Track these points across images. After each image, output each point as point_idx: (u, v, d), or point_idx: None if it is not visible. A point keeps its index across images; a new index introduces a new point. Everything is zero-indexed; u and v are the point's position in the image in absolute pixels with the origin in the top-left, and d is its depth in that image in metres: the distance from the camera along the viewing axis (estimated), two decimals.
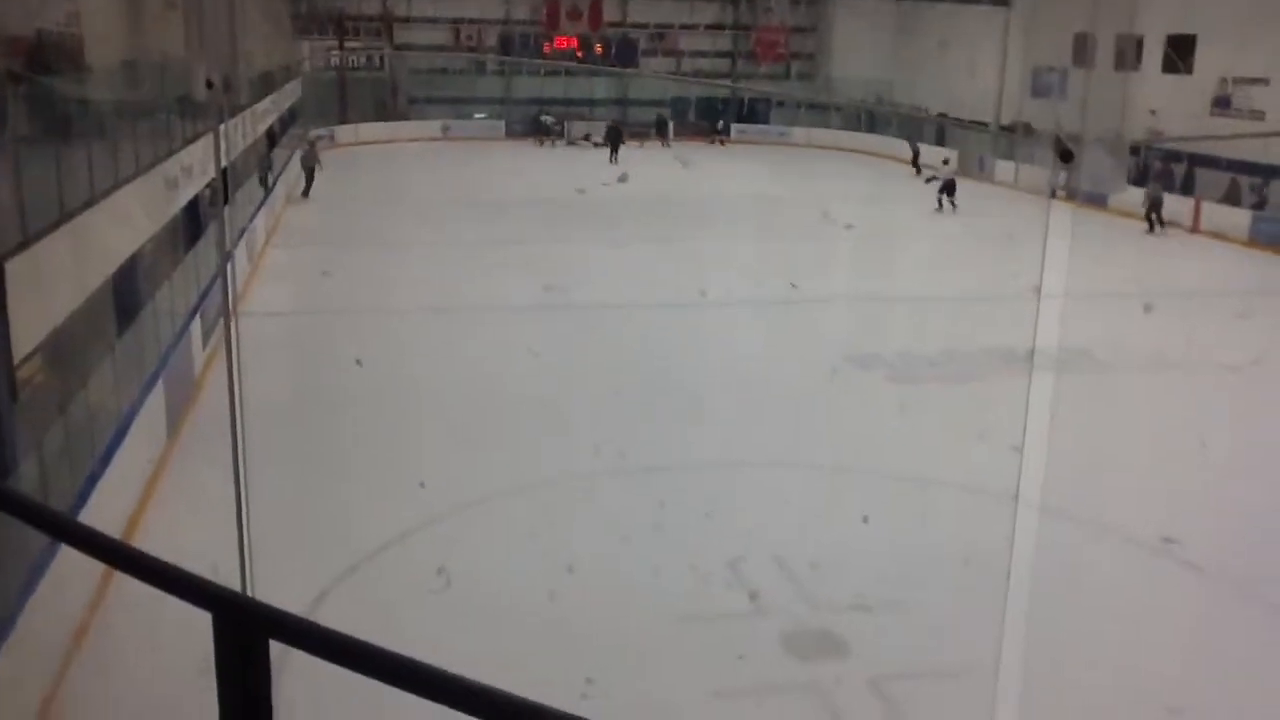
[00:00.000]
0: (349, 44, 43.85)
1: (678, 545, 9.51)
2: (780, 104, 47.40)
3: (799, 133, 46.01)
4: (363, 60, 44.47)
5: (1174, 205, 28.76)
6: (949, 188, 29.10)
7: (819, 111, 47.42)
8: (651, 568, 9.01)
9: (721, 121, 46.24)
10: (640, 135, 42.38)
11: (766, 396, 13.85)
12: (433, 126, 43.20)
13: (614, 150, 38.00)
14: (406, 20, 45.03)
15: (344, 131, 41.12)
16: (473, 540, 9.76)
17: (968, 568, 8.80)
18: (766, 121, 47.70)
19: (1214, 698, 7.71)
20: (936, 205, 28.89)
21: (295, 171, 29.77)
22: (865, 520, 9.58)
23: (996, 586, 7.72)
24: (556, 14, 46.01)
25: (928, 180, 30.29)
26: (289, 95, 32.73)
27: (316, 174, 28.78)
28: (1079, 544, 9.93)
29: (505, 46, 46.16)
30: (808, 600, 8.83)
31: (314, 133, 38.11)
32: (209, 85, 4.35)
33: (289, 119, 33.19)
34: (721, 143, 44.72)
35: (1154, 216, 26.73)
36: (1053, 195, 22.21)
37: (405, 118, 44.37)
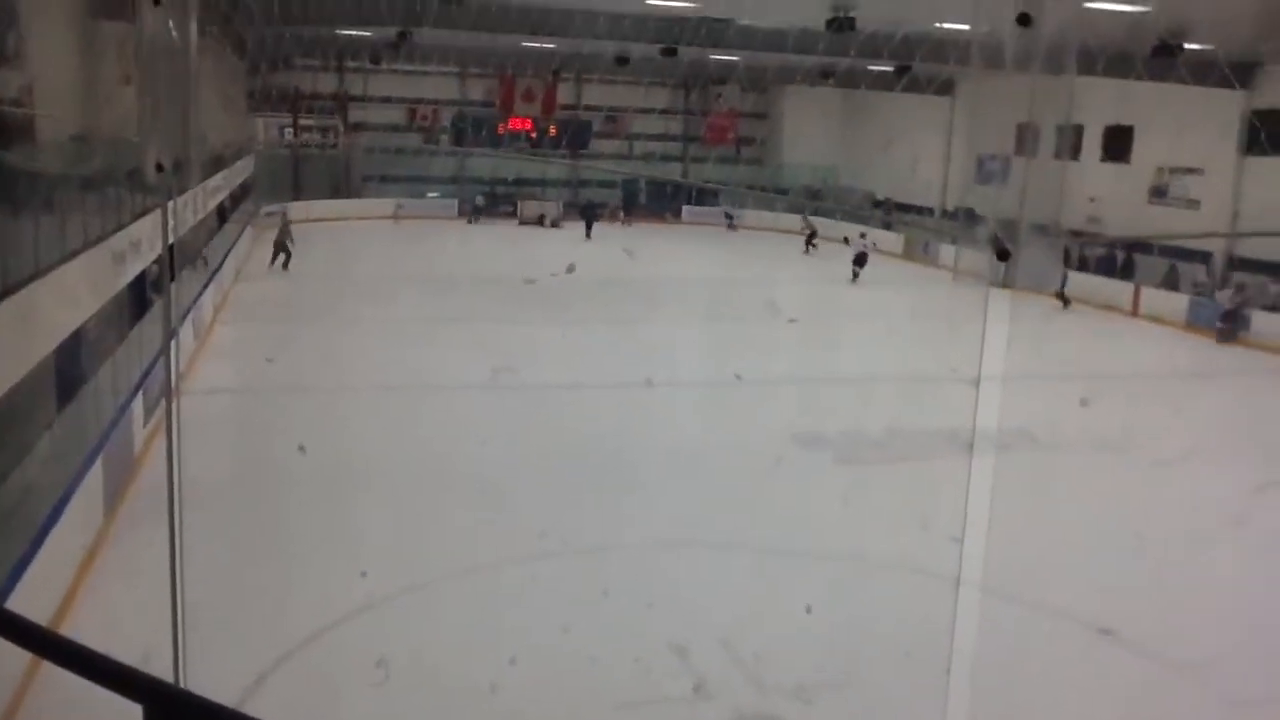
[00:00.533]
0: (303, 121, 44.08)
1: (622, 632, 9.41)
2: (726, 184, 48.15)
3: (748, 215, 46.66)
4: (317, 138, 44.68)
5: (1114, 290, 29.50)
6: (860, 259, 31.77)
7: (768, 194, 48.21)
8: (594, 657, 8.90)
9: (673, 203, 47.08)
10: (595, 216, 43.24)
11: (713, 479, 13.83)
12: (386, 205, 43.35)
13: (589, 226, 40.33)
14: (362, 99, 45.38)
15: (296, 208, 41.06)
16: (414, 628, 9.56)
17: (912, 650, 8.78)
18: (716, 204, 48.39)
19: None
20: (851, 276, 31.46)
21: (246, 247, 29.65)
22: (808, 610, 9.53)
23: (941, 671, 7.72)
24: (511, 96, 46.58)
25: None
26: (241, 171, 32.76)
27: (291, 248, 29.40)
28: (1021, 628, 9.95)
29: (459, 128, 46.55)
30: (754, 685, 8.76)
31: (265, 209, 38.12)
32: (159, 169, 4.34)
33: (241, 195, 33.17)
34: (664, 219, 45.14)
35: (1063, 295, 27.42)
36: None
37: (358, 195, 44.54)
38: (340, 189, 44.67)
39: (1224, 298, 24.83)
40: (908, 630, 9.19)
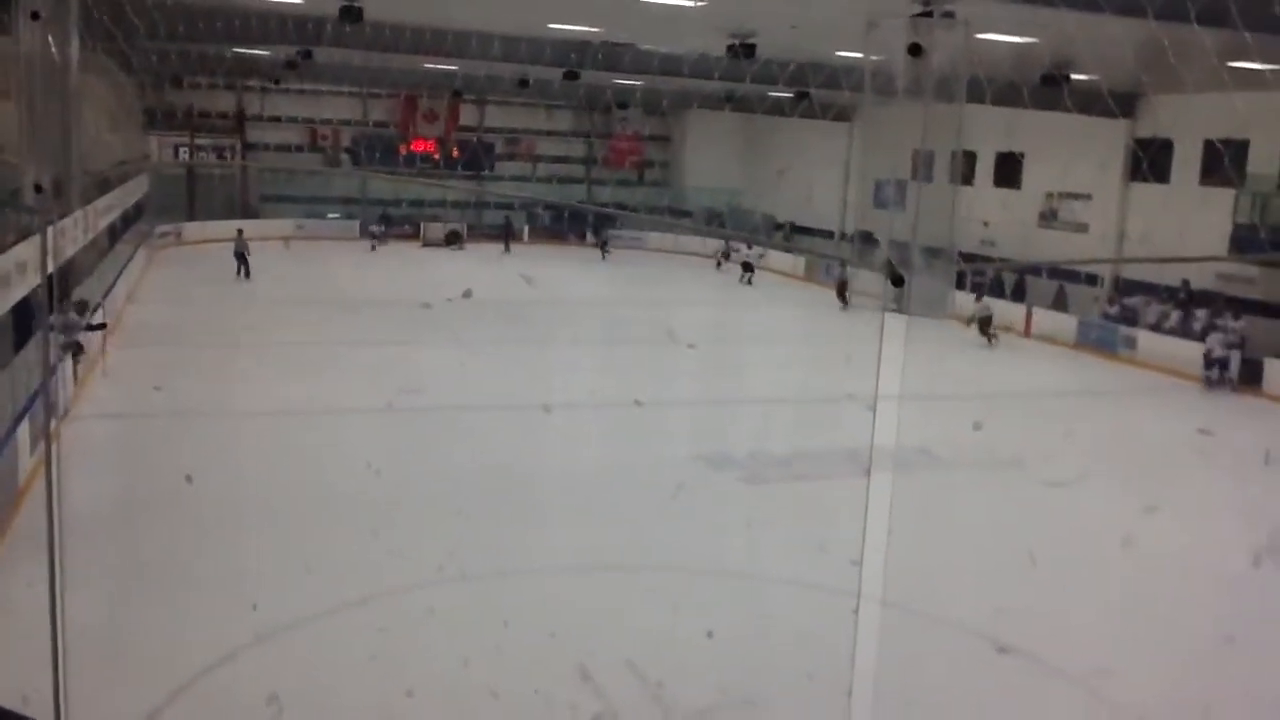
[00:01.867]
0: (199, 140, 43.15)
1: (523, 662, 9.32)
2: (633, 209, 48.34)
3: (652, 238, 46.90)
4: (214, 157, 43.77)
5: (1006, 312, 30.28)
6: (747, 266, 36.07)
7: (674, 217, 48.53)
8: (494, 688, 8.78)
9: (587, 228, 47.07)
10: (495, 237, 43.58)
11: (613, 504, 13.80)
12: (285, 225, 42.54)
13: (506, 243, 42.10)
14: (260, 118, 44.61)
15: (192, 229, 40.20)
16: (307, 663, 9.32)
17: (816, 666, 8.79)
18: (619, 226, 48.52)
19: None
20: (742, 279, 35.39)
21: (138, 269, 28.86)
22: (709, 635, 9.52)
23: (843, 688, 7.72)
24: (412, 117, 46.26)
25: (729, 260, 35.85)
26: (134, 191, 31.91)
27: (248, 258, 31.30)
28: (922, 646, 10.07)
29: (360, 150, 45.99)
30: (660, 711, 8.73)
31: (159, 229, 37.18)
32: (38, 189, 4.15)
33: (134, 215, 32.31)
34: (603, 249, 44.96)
35: (987, 331, 27.85)
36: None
37: (256, 215, 43.68)
38: (238, 209, 43.76)
39: (1215, 343, 24.30)
40: (810, 650, 9.23)
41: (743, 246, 37.73)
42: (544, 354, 23.41)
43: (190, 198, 42.88)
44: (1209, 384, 23.60)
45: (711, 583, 11.48)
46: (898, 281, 3.06)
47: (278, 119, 44.88)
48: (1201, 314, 26.01)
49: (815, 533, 11.70)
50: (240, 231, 34.02)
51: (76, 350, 17.43)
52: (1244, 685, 9.68)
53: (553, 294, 32.98)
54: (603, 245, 44.11)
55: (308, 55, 28.32)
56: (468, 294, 24.02)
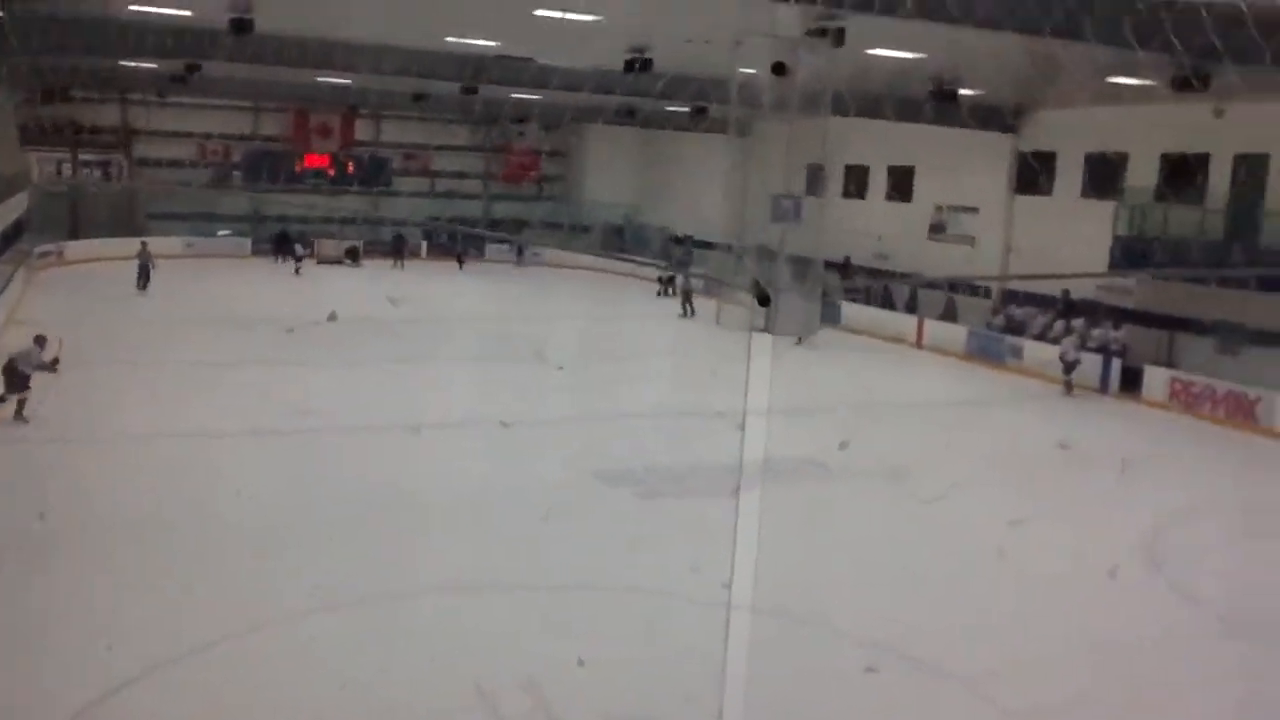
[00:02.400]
0: (83, 156, 41.89)
1: (404, 686, 9.17)
2: (526, 223, 48.26)
3: (550, 253, 46.85)
4: (98, 173, 42.53)
5: (899, 323, 31.03)
6: (687, 295, 33.69)
7: (570, 232, 48.55)
8: (376, 713, 8.63)
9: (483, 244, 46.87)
10: (391, 254, 43.28)
11: (489, 523, 13.61)
12: (174, 243, 41.42)
13: (399, 258, 42.09)
14: (147, 133, 43.45)
15: (75, 247, 38.93)
16: (180, 697, 8.94)
17: (695, 687, 8.75)
18: (519, 241, 48.37)
19: None
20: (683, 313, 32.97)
21: (18, 290, 27.90)
22: (581, 664, 9.44)
23: (739, 702, 7.84)
24: (306, 132, 45.56)
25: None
26: (12, 209, 30.85)
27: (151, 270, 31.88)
28: (801, 658, 10.20)
29: (251, 164, 45.08)
30: None
31: (40, 249, 35.97)
32: None
33: (13, 233, 31.21)
34: (460, 261, 44.62)
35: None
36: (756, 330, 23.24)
37: (143, 233, 42.44)
38: (124, 227, 42.49)
39: (1068, 347, 25.10)
40: (689, 669, 8.97)
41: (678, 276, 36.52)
42: (422, 373, 22.90)
43: (73, 215, 41.59)
44: (1068, 388, 24.47)
45: (591, 601, 11.42)
46: (764, 301, 3.13)
47: (165, 134, 43.75)
48: (1077, 322, 26.89)
49: (695, 549, 11.32)
50: (144, 244, 33.92)
51: None
52: (1106, 689, 9.94)
53: (451, 308, 32.76)
54: (519, 253, 45.19)
55: (196, 69, 27.72)
56: (333, 317, 23.39)
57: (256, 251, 43.28)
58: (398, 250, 42.99)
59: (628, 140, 45.79)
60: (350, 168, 45.92)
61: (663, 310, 34.75)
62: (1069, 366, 24.57)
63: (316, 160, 45.53)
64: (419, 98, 37.20)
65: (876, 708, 9.57)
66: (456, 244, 45.31)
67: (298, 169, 45.21)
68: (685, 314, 33.18)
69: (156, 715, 8.69)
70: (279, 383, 20.66)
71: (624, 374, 23.61)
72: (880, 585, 12.10)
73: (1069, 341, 25.29)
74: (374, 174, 46.01)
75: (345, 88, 37.22)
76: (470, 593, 11.28)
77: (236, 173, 45.27)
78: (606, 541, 13.18)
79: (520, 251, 45.77)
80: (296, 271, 39.30)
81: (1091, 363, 25.04)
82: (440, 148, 48.41)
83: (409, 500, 14.40)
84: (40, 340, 17.90)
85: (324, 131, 45.76)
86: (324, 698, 8.95)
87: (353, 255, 43.06)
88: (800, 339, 25.11)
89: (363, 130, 46.96)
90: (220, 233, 43.82)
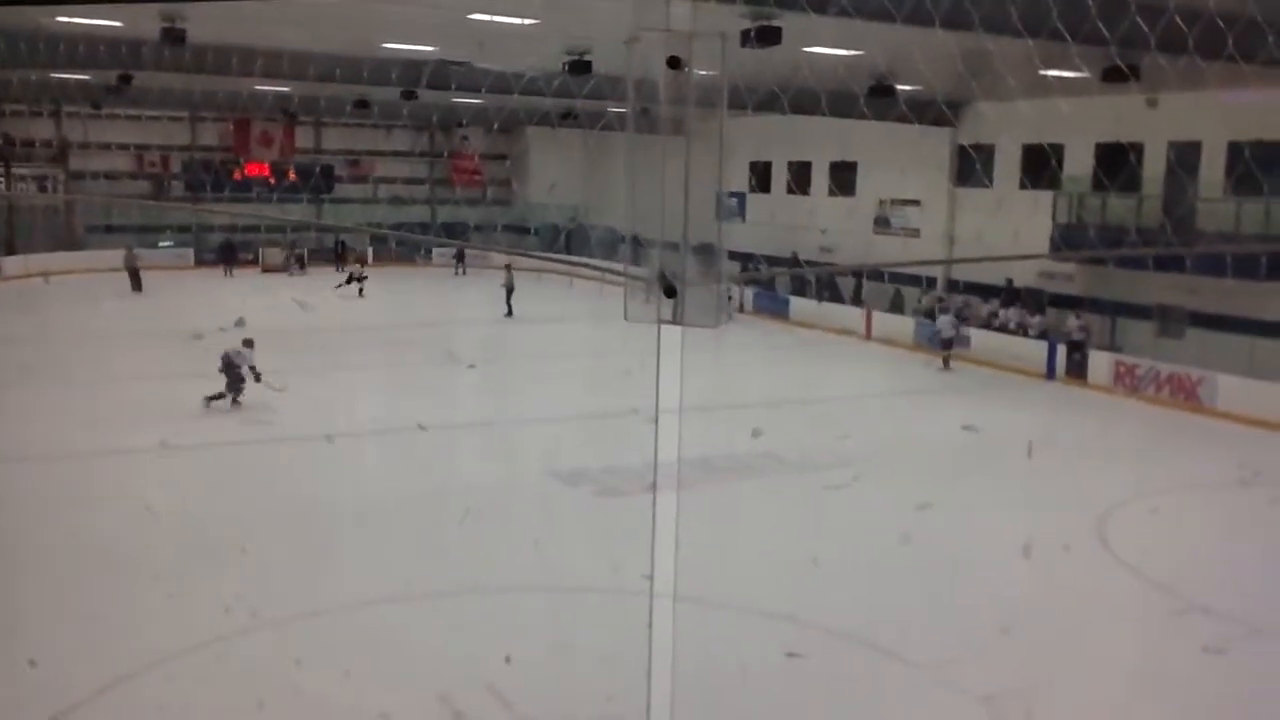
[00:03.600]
0: (18, 170, 41.17)
1: (319, 699, 9.08)
2: (478, 227, 48.08)
3: (499, 256, 46.71)
4: (34, 187, 41.82)
5: (846, 316, 31.29)
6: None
7: (518, 234, 48.43)
8: None
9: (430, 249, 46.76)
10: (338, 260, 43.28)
11: (405, 531, 13.50)
12: (115, 256, 40.78)
13: (339, 264, 41.88)
14: (84, 146, 42.76)
15: (12, 263, 38.26)
16: None
17: (615, 687, 8.67)
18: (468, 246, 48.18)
19: None
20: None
21: None
22: (507, 660, 9.43)
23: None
24: (246, 141, 45.07)
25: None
26: None
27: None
28: (737, 642, 10.39)
29: (193, 175, 44.53)
30: None
31: None
32: None
33: None
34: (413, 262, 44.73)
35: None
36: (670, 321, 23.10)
37: (82, 247, 41.83)
38: (63, 241, 41.84)
39: (945, 324, 26.42)
40: (611, 669, 8.97)
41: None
42: (335, 379, 22.74)
43: (9, 230, 40.87)
44: (945, 364, 25.18)
45: (512, 603, 11.39)
46: (670, 293, 3.13)
47: (103, 146, 43.09)
48: (957, 300, 27.35)
49: (617, 546, 11.34)
50: (129, 248, 36.56)
51: None
52: (1023, 673, 10.10)
53: (391, 314, 32.50)
54: (459, 258, 44.83)
55: (129, 80, 27.33)
56: (240, 323, 22.91)
57: (200, 262, 42.77)
58: (339, 256, 43.15)
59: (571, 141, 45.76)
60: (292, 175, 45.47)
61: (597, 308, 34.65)
62: (946, 343, 25.25)
63: (257, 169, 45.05)
64: (360, 104, 36.96)
65: (798, 690, 9.72)
66: (406, 249, 45.19)
67: (238, 178, 44.69)
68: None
69: None
70: (189, 394, 20.09)
71: (539, 373, 23.70)
72: (797, 573, 12.13)
73: (944, 320, 25.94)
74: (317, 182, 45.55)
75: (285, 95, 36.89)
76: (406, 601, 11.19)
77: (176, 183, 44.72)
78: (529, 541, 13.05)
79: (460, 256, 45.41)
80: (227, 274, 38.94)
81: (1037, 348, 25.45)
82: (383, 153, 48.12)
83: (327, 510, 14.22)
84: (249, 343, 19.58)
85: (265, 140, 45.30)
86: (232, 718, 8.81)
87: (298, 262, 42.72)
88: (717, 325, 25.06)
89: (304, 138, 46.55)
90: (162, 244, 43.27)
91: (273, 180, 45.15)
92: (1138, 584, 12.73)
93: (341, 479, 15.75)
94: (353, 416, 19.04)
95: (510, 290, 33.23)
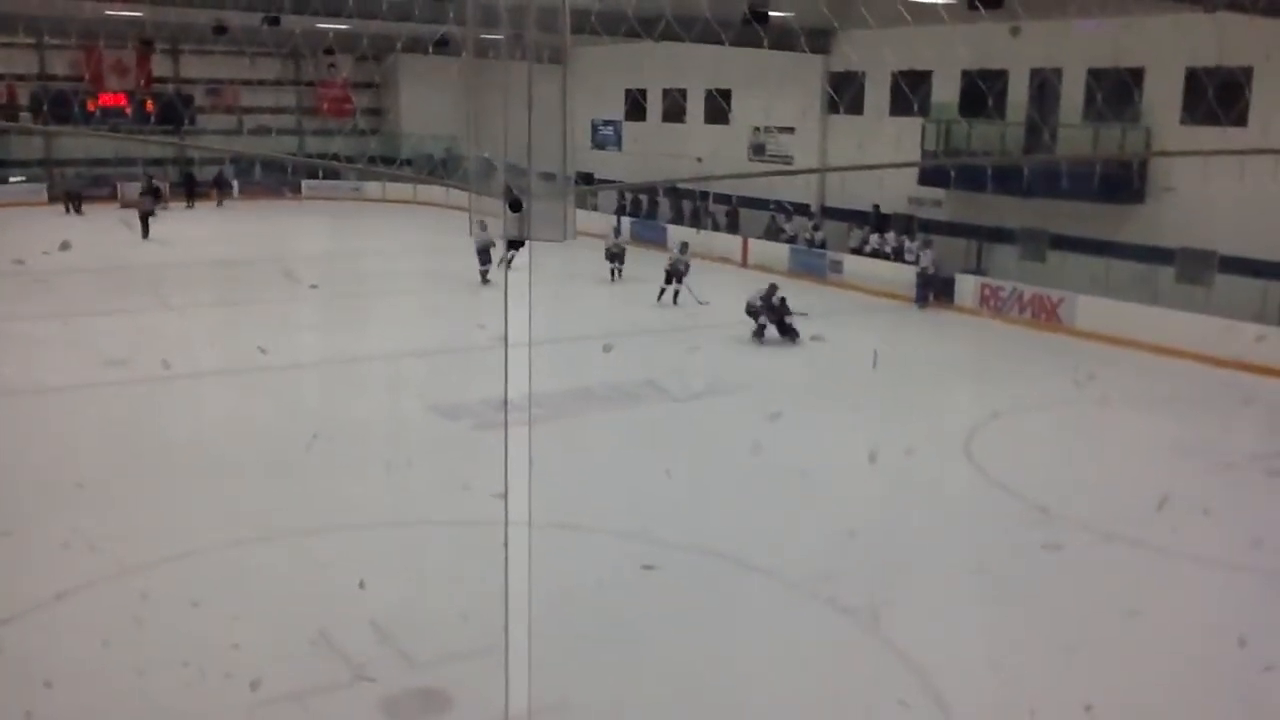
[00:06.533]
0: None
1: (169, 635, 8.99)
2: (348, 158, 46.92)
3: (373, 187, 45.78)
4: None
5: (724, 243, 31.56)
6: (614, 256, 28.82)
7: (394, 165, 47.43)
8: (139, 667, 8.38)
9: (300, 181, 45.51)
10: (202, 195, 42.35)
11: (250, 467, 13.31)
12: None
13: (191, 199, 41.23)
14: None
15: None
16: None
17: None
18: (338, 176, 47.02)
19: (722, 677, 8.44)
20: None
21: None
22: (361, 585, 9.29)
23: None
24: (99, 70, 42.95)
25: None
26: None
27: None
28: (595, 560, 10.66)
29: (43, 106, 42.32)
30: (404, 663, 8.75)
31: None
32: None
33: None
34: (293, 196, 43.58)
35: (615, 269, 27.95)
36: (514, 245, 22.78)
37: None
38: None
39: (927, 259, 25.81)
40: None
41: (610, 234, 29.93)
42: (178, 316, 22.23)
43: None
44: (666, 295, 25.18)
45: (373, 537, 11.35)
46: (515, 207, 3.16)
47: None
48: (885, 236, 27.85)
49: (475, 473, 10.29)
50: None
51: None
52: (870, 576, 10.60)
53: (268, 247, 31.70)
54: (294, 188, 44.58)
55: None
56: (65, 246, 22.02)
57: (54, 198, 40.89)
58: (189, 191, 42.09)
59: (446, 69, 44.78)
60: (149, 106, 43.59)
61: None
62: (927, 280, 25.37)
63: (112, 99, 43.05)
64: (219, 30, 35.47)
65: (653, 602, 10.01)
66: (272, 182, 43.93)
67: (91, 108, 42.65)
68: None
69: None
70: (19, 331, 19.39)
71: (391, 303, 23.68)
72: (654, 492, 12.40)
73: (927, 255, 25.71)
74: (176, 112, 43.74)
75: (138, 21, 35.21)
76: (257, 541, 11.05)
77: (25, 114, 42.47)
78: (383, 474, 13.00)
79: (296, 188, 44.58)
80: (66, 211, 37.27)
81: (908, 273, 26.10)
82: (247, 82, 46.41)
83: (171, 449, 13.92)
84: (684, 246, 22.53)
85: (119, 69, 43.25)
86: (81, 658, 8.67)
87: (154, 196, 40.95)
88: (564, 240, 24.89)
89: (161, 67, 44.59)
90: (12, 179, 41.21)
91: (128, 111, 43.21)
92: (987, 489, 13.38)
93: (188, 416, 15.47)
94: (196, 350, 18.69)
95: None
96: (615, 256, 27.80)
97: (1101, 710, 8.16)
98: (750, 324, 20.94)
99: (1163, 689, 8.63)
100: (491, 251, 25.69)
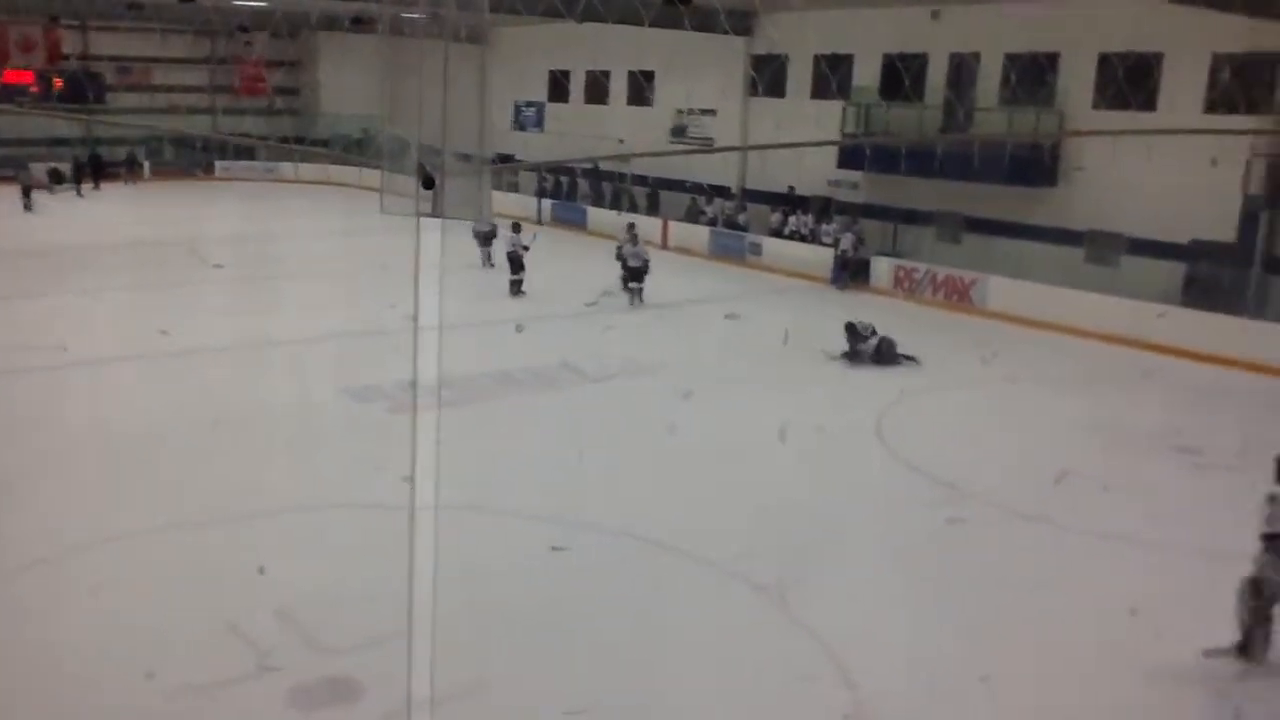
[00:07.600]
0: None
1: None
2: (265, 138, 46.07)
3: (287, 168, 44.99)
4: None
5: (645, 225, 31.46)
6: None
7: (307, 146, 46.71)
8: (33, 661, 8.24)
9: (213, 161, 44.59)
10: (112, 175, 41.42)
11: (169, 447, 13.12)
12: None
13: (96, 180, 39.91)
14: None
15: None
16: None
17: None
18: (253, 157, 46.14)
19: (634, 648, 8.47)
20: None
21: None
22: (261, 571, 9.27)
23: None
24: (5, 46, 41.63)
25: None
26: None
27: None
28: (504, 542, 10.65)
29: None
30: (312, 651, 8.61)
31: None
32: None
33: None
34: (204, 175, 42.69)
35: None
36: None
37: None
38: None
39: (847, 243, 25.82)
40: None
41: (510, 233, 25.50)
42: (73, 300, 21.60)
43: None
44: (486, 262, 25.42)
45: (302, 521, 11.19)
46: (428, 184, 3.11)
47: None
48: (801, 217, 28.01)
49: (382, 455, 10.27)
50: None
51: None
52: (780, 553, 10.71)
53: (180, 229, 30.99)
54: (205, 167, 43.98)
55: None
56: None
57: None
58: (95, 171, 40.86)
59: (365, 49, 44.08)
60: (57, 83, 42.34)
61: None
62: (845, 263, 25.45)
63: (18, 76, 41.75)
64: (132, 6, 34.55)
65: (563, 583, 9.98)
66: (185, 163, 42.93)
67: None
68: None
69: None
70: None
71: (302, 285, 23.42)
72: (568, 473, 12.44)
73: (848, 238, 25.77)
74: (84, 90, 42.50)
75: None
76: (176, 527, 10.81)
77: None
78: (291, 459, 12.87)
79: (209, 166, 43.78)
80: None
81: (825, 255, 26.27)
82: (159, 60, 45.24)
83: (70, 436, 13.51)
84: (517, 226, 22.82)
85: (26, 45, 41.96)
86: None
87: (55, 178, 39.72)
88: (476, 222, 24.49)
89: (70, 43, 43.33)
90: None
91: (35, 89, 41.95)
92: (896, 467, 13.57)
93: (92, 401, 15.07)
94: (96, 335, 18.22)
95: None
96: (514, 261, 26.07)
97: (999, 680, 8.29)
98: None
99: (1060, 659, 8.79)
100: (492, 246, 25.21)
